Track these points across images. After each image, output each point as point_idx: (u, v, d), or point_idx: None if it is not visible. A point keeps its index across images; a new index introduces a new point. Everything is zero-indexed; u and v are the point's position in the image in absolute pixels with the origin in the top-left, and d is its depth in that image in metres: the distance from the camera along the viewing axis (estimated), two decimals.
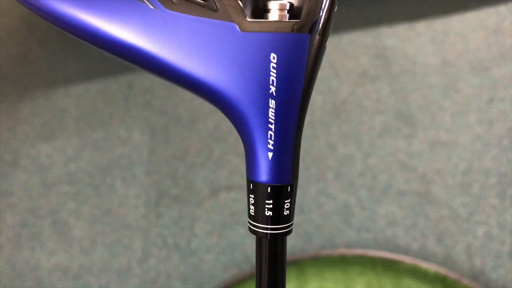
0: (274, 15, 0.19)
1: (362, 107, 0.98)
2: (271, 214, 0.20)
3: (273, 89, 0.19)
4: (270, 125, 0.19)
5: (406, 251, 0.80)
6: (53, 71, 1.23)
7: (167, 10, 0.19)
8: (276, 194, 0.20)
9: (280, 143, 0.20)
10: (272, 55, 0.19)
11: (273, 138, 0.19)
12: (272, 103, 0.19)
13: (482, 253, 0.78)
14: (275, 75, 0.19)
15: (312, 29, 0.19)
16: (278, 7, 0.19)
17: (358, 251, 0.78)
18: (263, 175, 0.20)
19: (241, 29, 0.19)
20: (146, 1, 0.19)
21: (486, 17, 1.08)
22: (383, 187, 0.87)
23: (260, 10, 0.19)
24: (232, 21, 0.19)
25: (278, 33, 0.18)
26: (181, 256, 0.86)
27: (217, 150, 0.97)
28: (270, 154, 0.20)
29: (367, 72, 1.04)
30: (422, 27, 1.09)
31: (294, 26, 0.18)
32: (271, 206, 0.20)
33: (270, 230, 0.21)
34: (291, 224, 0.21)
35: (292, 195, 0.21)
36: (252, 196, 0.21)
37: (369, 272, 0.76)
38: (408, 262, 0.76)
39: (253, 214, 0.21)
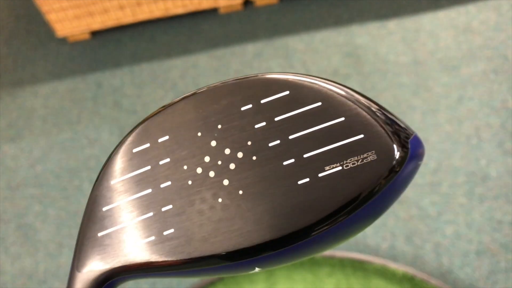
0: None
1: None
2: None
3: None
4: None
5: (376, 251, 0.79)
6: (20, 70, 1.20)
7: None
8: None
9: None
10: None
11: None
12: None
13: (450, 252, 0.78)
14: None
15: None
16: None
17: (326, 252, 0.78)
18: None
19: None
20: None
21: (456, 16, 1.08)
22: None
23: None
24: None
25: None
26: None
27: None
28: None
29: (339, 71, 1.04)
30: (393, 25, 1.09)
31: None
32: None
33: None
34: None
35: None
36: None
37: (338, 273, 0.76)
38: (377, 262, 0.76)
39: None
